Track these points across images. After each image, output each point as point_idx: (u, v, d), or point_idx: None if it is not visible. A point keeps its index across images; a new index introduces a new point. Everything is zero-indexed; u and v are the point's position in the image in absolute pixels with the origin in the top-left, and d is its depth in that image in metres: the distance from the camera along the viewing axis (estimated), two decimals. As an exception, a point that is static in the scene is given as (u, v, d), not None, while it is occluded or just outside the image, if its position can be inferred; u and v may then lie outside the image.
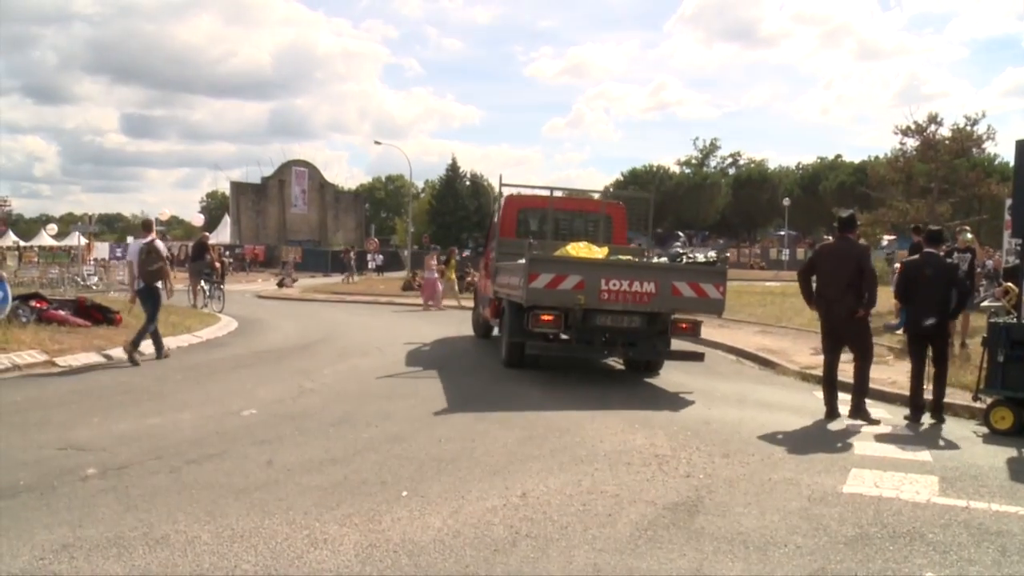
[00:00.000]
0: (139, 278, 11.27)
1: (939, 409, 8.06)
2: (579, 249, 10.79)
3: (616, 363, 11.89)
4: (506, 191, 13.36)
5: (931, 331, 8.09)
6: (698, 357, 10.64)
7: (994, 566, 4.20)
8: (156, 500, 4.81)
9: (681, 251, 11.64)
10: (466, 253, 26.02)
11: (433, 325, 17.35)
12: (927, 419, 8.00)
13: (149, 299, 11.24)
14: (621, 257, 10.93)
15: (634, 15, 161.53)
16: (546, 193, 13.06)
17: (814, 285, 8.39)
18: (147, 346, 11.18)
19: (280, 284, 34.65)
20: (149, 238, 11.45)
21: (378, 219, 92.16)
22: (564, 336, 10.13)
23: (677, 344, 10.69)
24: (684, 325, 10.20)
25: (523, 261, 9.75)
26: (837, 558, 4.18)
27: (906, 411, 8.19)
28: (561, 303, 9.60)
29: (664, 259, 11.08)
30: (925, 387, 8.09)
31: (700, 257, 10.67)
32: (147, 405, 7.88)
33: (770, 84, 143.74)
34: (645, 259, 11.80)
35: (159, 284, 11.32)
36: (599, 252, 10.90)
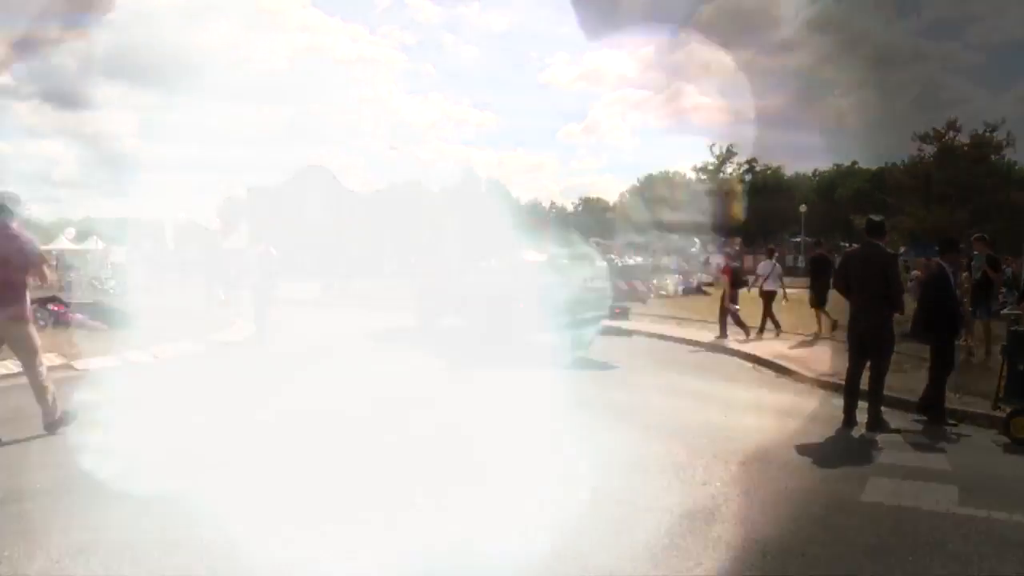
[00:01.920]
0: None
1: (929, 408, 8.02)
2: None
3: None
4: None
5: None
6: (624, 333, 14.72)
7: (1016, 578, 4.14)
8: (170, 505, 4.81)
9: (614, 257, 16.68)
10: None
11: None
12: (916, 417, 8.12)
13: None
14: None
15: (650, 21, 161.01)
16: None
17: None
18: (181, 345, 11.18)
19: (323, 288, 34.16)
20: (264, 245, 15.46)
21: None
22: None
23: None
24: (617, 310, 14.15)
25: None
26: (856, 568, 4.13)
27: (923, 418, 8.13)
28: None
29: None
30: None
31: (631, 262, 15.65)
32: (163, 409, 7.90)
33: (786, 90, 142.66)
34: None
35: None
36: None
